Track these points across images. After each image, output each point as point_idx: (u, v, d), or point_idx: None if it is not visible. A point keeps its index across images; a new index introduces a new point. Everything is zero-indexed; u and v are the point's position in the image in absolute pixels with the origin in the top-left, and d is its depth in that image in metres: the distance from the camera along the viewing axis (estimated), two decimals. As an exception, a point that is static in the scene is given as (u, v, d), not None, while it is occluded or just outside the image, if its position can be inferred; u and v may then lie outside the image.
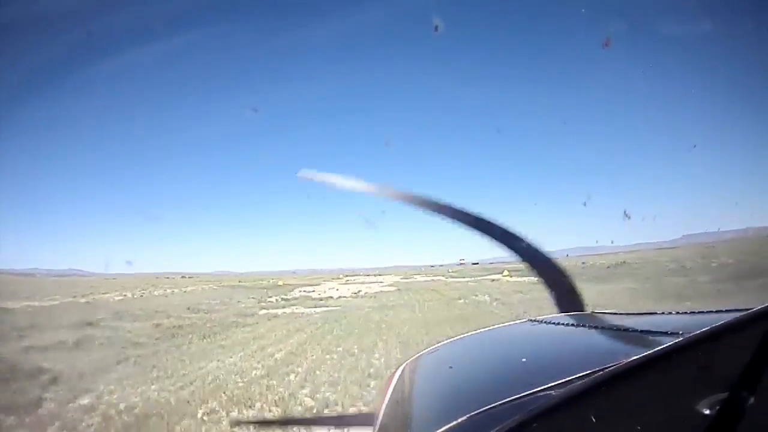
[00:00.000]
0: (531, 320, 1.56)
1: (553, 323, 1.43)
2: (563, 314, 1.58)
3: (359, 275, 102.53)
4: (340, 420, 2.29)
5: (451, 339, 1.56)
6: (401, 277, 70.12)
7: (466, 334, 1.57)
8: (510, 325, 1.68)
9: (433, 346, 1.53)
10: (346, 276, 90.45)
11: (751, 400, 0.56)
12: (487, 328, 1.59)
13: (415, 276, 69.90)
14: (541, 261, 1.66)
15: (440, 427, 0.72)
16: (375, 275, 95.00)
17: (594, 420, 0.57)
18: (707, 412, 0.56)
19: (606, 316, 1.47)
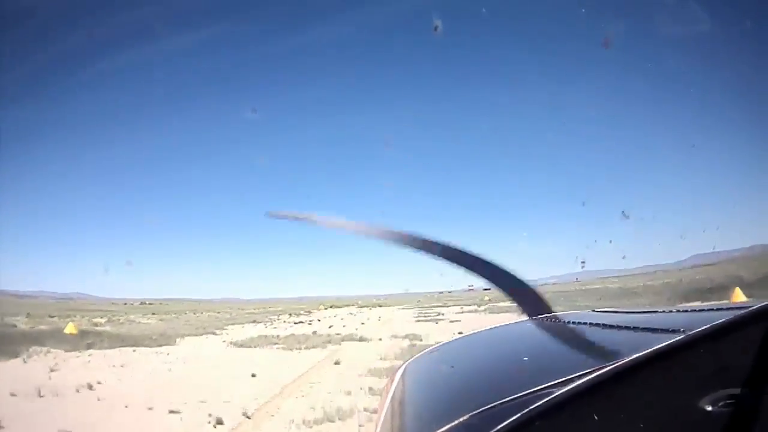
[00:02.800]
0: (531, 319, 1.54)
1: (554, 322, 1.42)
2: (563, 313, 1.58)
3: (350, 305, 66.37)
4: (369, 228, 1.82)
5: (453, 339, 1.55)
6: (415, 313, 33.79)
7: (466, 334, 1.55)
8: (511, 324, 1.64)
9: (435, 346, 1.51)
10: (322, 307, 54.37)
11: (754, 396, 0.54)
12: (487, 328, 1.58)
13: (438, 311, 33.16)
14: (506, 276, 1.55)
15: (442, 426, 0.68)
16: (372, 306, 58.58)
17: (596, 418, 0.55)
18: (709, 408, 0.54)
19: (607, 314, 1.46)
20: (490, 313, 26.68)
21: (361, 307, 57.90)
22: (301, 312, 43.79)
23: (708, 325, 0.57)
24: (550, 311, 1.51)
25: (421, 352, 1.44)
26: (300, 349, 14.72)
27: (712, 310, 1.01)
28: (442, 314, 29.08)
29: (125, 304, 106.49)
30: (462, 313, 29.03)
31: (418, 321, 24.14)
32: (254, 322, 29.31)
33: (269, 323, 28.20)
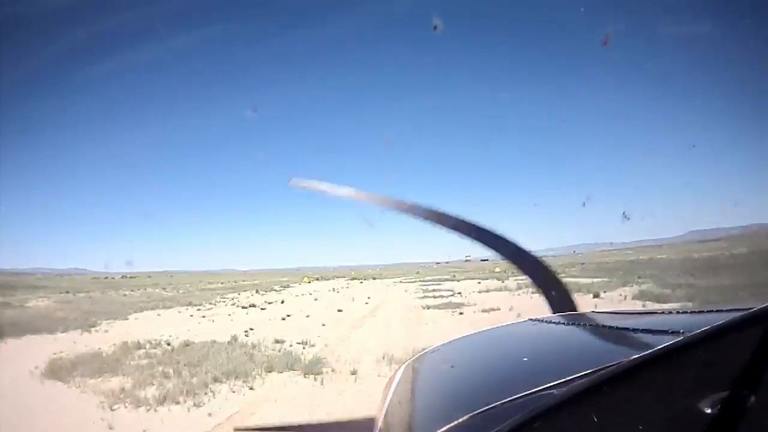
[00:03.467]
0: (531, 320, 1.52)
1: (554, 323, 1.40)
2: (564, 314, 1.54)
3: (342, 276, 57.95)
4: (341, 426, 1.78)
5: (452, 339, 1.50)
6: (418, 291, 24.98)
7: (467, 334, 1.51)
8: (511, 324, 1.61)
9: (435, 346, 1.46)
10: (306, 280, 45.61)
11: (752, 399, 0.54)
12: (488, 328, 1.54)
13: (449, 287, 24.37)
14: (531, 262, 1.56)
15: (442, 427, 0.68)
16: (365, 278, 50.20)
17: (595, 419, 0.55)
18: (708, 411, 0.54)
19: (606, 315, 1.43)
20: (532, 294, 17.74)
21: (353, 279, 49.31)
22: (275, 287, 34.87)
23: (707, 327, 0.56)
24: (575, 309, 1.40)
25: (421, 352, 1.41)
26: (144, 404, 5.63)
27: (711, 311, 1.00)
28: (459, 294, 20.13)
29: (105, 278, 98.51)
30: (487, 292, 20.06)
31: (428, 307, 15.16)
32: (189, 304, 20.29)
33: (209, 306, 19.23)
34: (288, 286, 35.44)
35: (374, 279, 46.89)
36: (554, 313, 1.44)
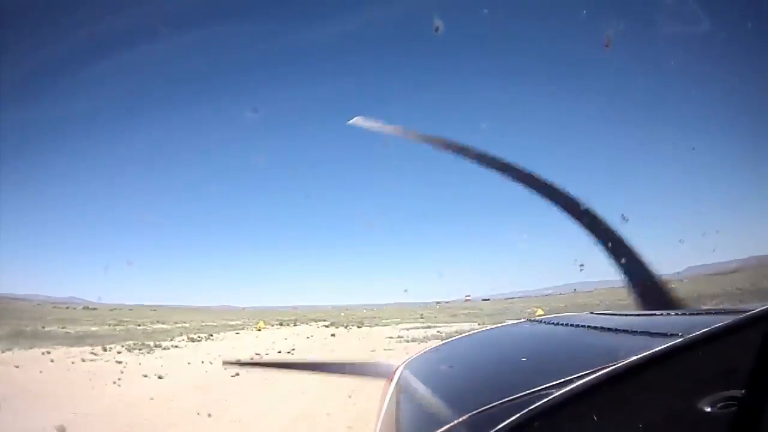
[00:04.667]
0: (531, 320, 1.48)
1: (553, 323, 1.39)
2: (563, 314, 1.51)
3: (323, 320, 42.53)
4: (322, 366, 1.86)
5: (452, 339, 1.47)
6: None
7: (466, 334, 1.46)
8: (510, 325, 1.56)
9: (434, 346, 1.46)
10: (261, 325, 30.37)
11: (752, 399, 0.53)
12: (487, 328, 1.50)
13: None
14: (626, 252, 1.41)
15: (442, 426, 0.68)
16: (354, 322, 34.73)
17: (595, 418, 0.54)
18: (708, 410, 0.53)
19: (606, 316, 1.43)
20: None
21: (331, 324, 34.04)
22: (196, 336, 19.94)
23: (707, 329, 0.56)
24: (673, 306, 1.29)
25: (421, 352, 1.38)
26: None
27: (711, 313, 0.99)
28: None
29: (67, 307, 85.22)
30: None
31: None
32: None
33: None
34: (210, 336, 20.49)
35: (359, 327, 31.58)
36: (643, 309, 1.33)
